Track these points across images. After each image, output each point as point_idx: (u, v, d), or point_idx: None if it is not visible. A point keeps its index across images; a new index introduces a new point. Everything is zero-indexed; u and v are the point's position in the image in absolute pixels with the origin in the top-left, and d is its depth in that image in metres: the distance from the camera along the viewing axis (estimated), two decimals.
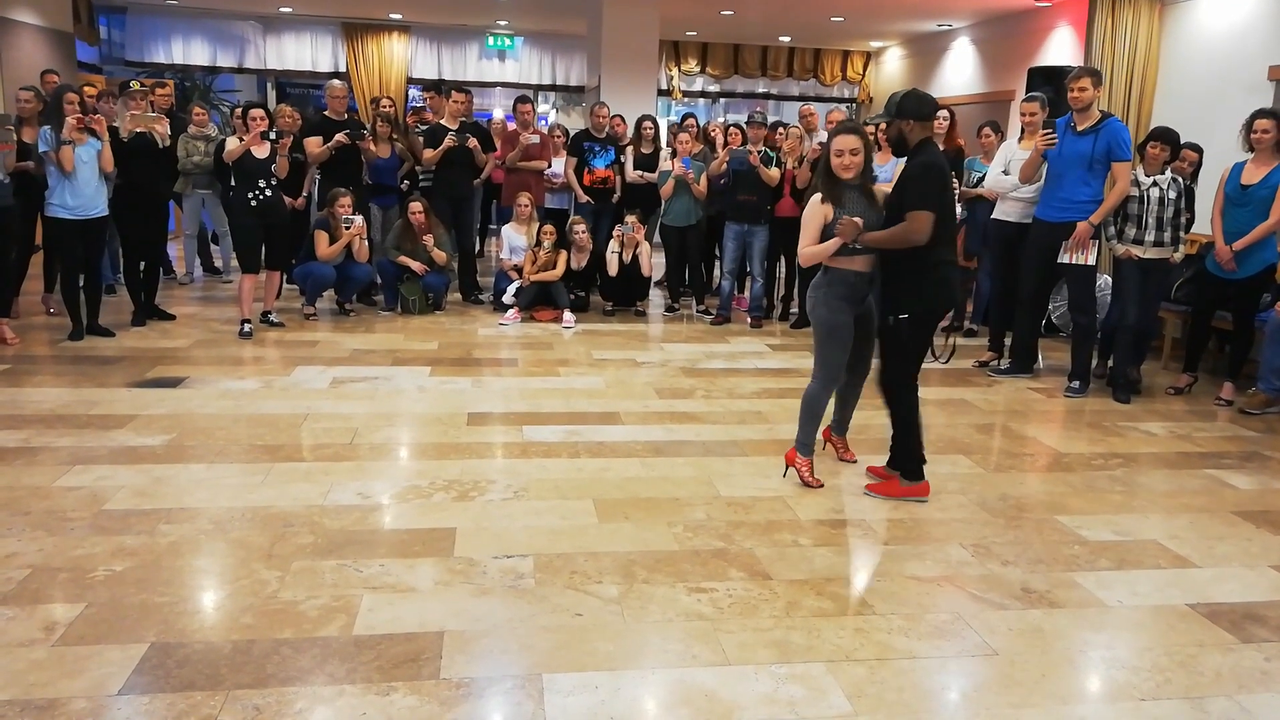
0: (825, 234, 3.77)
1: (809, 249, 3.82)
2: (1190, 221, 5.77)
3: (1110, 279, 6.16)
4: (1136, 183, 5.49)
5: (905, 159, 3.78)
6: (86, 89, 6.65)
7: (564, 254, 7.35)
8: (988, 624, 2.94)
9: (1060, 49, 9.43)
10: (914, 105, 3.71)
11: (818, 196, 3.81)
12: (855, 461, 4.34)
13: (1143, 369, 5.98)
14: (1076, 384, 5.70)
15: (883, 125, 3.81)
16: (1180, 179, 5.58)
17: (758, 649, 2.74)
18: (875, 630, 2.87)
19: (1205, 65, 7.42)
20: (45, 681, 2.45)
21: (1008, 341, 6.24)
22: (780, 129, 7.56)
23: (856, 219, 3.67)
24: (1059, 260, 5.57)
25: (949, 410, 5.30)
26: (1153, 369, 6.34)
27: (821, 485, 4.03)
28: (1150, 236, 5.50)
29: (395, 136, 7.66)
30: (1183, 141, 5.82)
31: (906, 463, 3.95)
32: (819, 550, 3.42)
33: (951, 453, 4.57)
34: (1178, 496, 4.13)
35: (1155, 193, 5.47)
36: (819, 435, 4.13)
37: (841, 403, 4.29)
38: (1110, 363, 5.91)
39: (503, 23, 13.09)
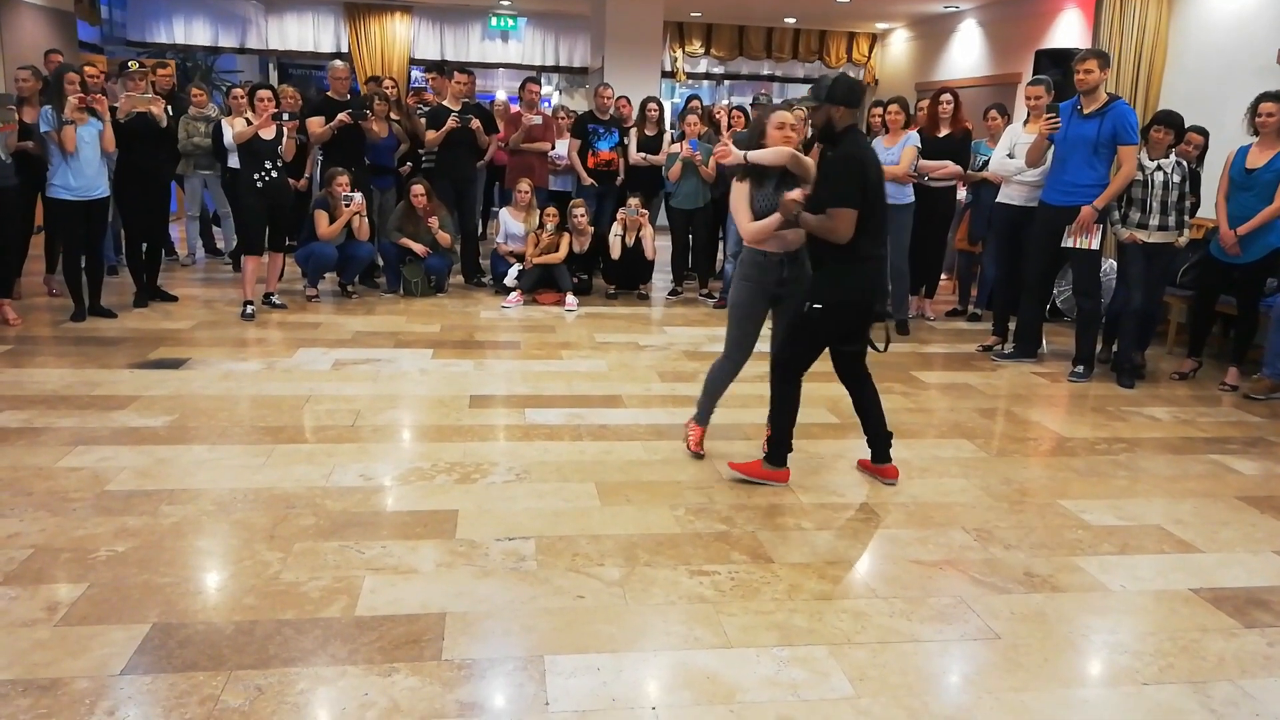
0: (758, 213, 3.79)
1: (754, 227, 3.76)
2: (1195, 206, 5.73)
3: (1115, 263, 6.13)
4: (1141, 167, 5.45)
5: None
6: (88, 69, 6.60)
7: (567, 237, 7.32)
8: (990, 608, 2.93)
9: (1068, 31, 9.35)
10: (844, 92, 3.59)
11: (742, 186, 3.82)
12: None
13: (1147, 354, 5.96)
14: (1080, 369, 5.68)
15: (808, 109, 3.79)
16: (1185, 163, 5.53)
17: (760, 632, 2.74)
18: (877, 614, 2.87)
19: (1214, 48, 7.35)
20: (48, 661, 2.45)
21: (1012, 326, 6.22)
22: (795, 107, 7.43)
23: (796, 195, 3.63)
24: (1063, 244, 5.54)
25: (952, 394, 5.29)
26: (1157, 354, 6.32)
27: (703, 455, 4.09)
28: (1155, 221, 5.46)
29: (395, 116, 7.62)
30: (1189, 125, 5.77)
31: (776, 446, 3.86)
32: (821, 534, 3.42)
33: (955, 437, 4.56)
34: (1181, 481, 4.12)
35: (1159, 177, 5.43)
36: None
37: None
38: (1114, 347, 5.89)
39: (506, 3, 13.00)
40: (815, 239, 3.65)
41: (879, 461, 3.97)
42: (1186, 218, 5.54)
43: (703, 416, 4.14)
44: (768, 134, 3.79)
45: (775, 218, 3.68)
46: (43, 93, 6.17)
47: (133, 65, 6.65)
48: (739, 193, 3.85)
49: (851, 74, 14.32)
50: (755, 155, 3.76)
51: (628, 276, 7.67)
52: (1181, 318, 6.43)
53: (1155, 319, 6.04)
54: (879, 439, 3.96)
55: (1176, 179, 5.43)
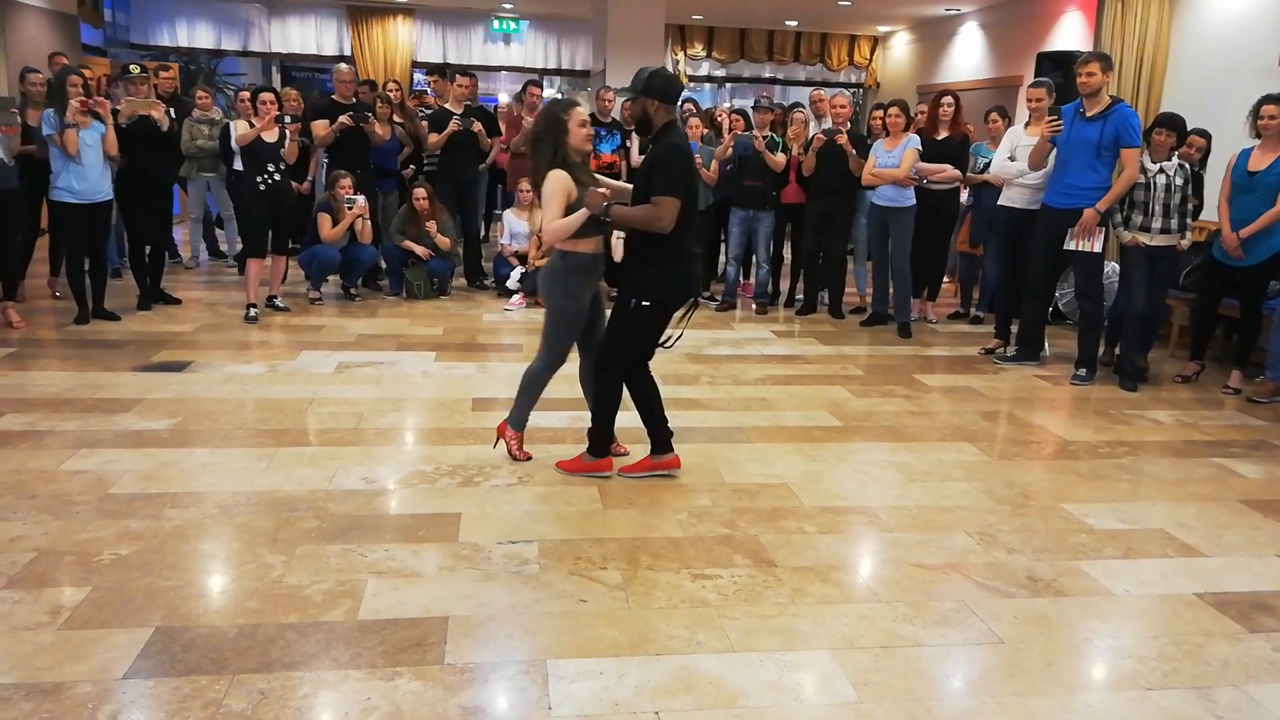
0: (570, 210, 3.68)
1: (557, 224, 3.65)
2: (1198, 208, 5.73)
3: (1117, 266, 6.12)
4: (1143, 169, 5.45)
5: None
6: (84, 71, 6.61)
7: None
8: (993, 612, 2.93)
9: (1070, 34, 9.35)
10: (661, 85, 3.59)
11: (559, 172, 3.66)
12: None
13: (1150, 357, 5.96)
14: (1083, 371, 5.68)
15: (628, 101, 3.69)
16: (1187, 165, 5.53)
17: (762, 636, 2.74)
18: (880, 618, 2.87)
19: (1216, 51, 7.35)
20: (51, 665, 2.45)
21: (1014, 329, 6.21)
22: (798, 109, 7.56)
23: (603, 190, 3.62)
24: (1065, 247, 5.54)
25: (954, 398, 5.28)
26: (1160, 357, 6.32)
27: (530, 458, 4.03)
28: (1157, 224, 5.46)
29: (398, 119, 7.63)
30: (1191, 127, 5.77)
31: (597, 438, 3.89)
32: (824, 537, 3.42)
33: (957, 440, 4.55)
34: (1185, 485, 4.11)
35: (1162, 180, 5.43)
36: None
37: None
38: (1117, 350, 5.88)
39: (508, 6, 13.01)
40: (636, 237, 3.65)
41: (662, 453, 3.91)
42: (1189, 220, 5.54)
43: (520, 422, 4.06)
44: (570, 130, 3.68)
45: (580, 214, 3.63)
46: (46, 95, 6.19)
47: (134, 69, 6.65)
48: (558, 181, 3.66)
49: (854, 77, 14.35)
50: (568, 222, 3.66)
51: None
52: (1184, 320, 6.42)
53: (1158, 322, 6.04)
54: (660, 429, 3.90)
55: (1179, 182, 5.43)
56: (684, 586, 3.01)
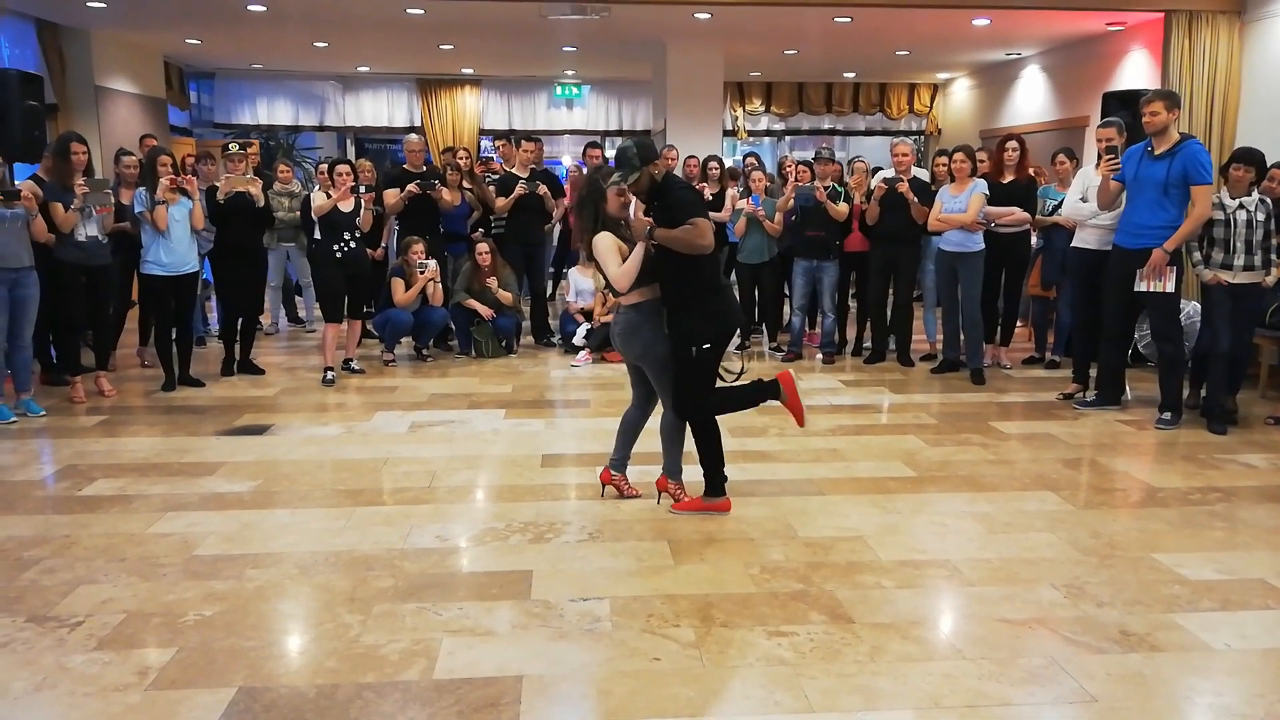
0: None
1: (624, 268, 3.87)
2: None
3: (1198, 305, 5.93)
4: (1221, 206, 5.30)
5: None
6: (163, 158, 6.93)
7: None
8: (1085, 669, 2.81)
9: (1135, 73, 9.22)
10: (648, 151, 3.87)
11: (606, 233, 3.95)
12: (639, 496, 4.24)
13: (1238, 398, 5.72)
14: (1168, 415, 5.48)
15: (630, 182, 3.86)
16: (1268, 200, 5.36)
17: (842, 695, 2.67)
18: (965, 676, 2.77)
19: None
20: None
21: (1093, 373, 6.04)
22: (858, 160, 7.59)
23: (646, 218, 3.86)
24: (1136, 289, 5.39)
25: (1034, 445, 5.14)
26: (1249, 398, 6.06)
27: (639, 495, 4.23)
28: (1239, 261, 5.28)
29: (467, 185, 7.85)
30: (1273, 161, 5.61)
31: (711, 478, 4.06)
32: (902, 592, 3.33)
33: (1038, 489, 4.42)
34: None
35: (1242, 215, 5.27)
36: (599, 479, 4.31)
37: (629, 439, 4.24)
38: (1203, 392, 5.66)
39: (570, 72, 13.38)
40: (670, 286, 3.87)
41: (715, 495, 4.08)
42: (1273, 256, 5.35)
43: (676, 470, 4.18)
44: (608, 199, 3.94)
45: (639, 250, 3.85)
46: (137, 176, 6.52)
47: (233, 147, 6.95)
48: (611, 243, 3.94)
49: (914, 125, 14.35)
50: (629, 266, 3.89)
51: None
52: (1274, 360, 6.17)
53: (1245, 361, 5.80)
54: (717, 473, 4.07)
55: (1260, 217, 5.26)
56: (759, 644, 2.95)
